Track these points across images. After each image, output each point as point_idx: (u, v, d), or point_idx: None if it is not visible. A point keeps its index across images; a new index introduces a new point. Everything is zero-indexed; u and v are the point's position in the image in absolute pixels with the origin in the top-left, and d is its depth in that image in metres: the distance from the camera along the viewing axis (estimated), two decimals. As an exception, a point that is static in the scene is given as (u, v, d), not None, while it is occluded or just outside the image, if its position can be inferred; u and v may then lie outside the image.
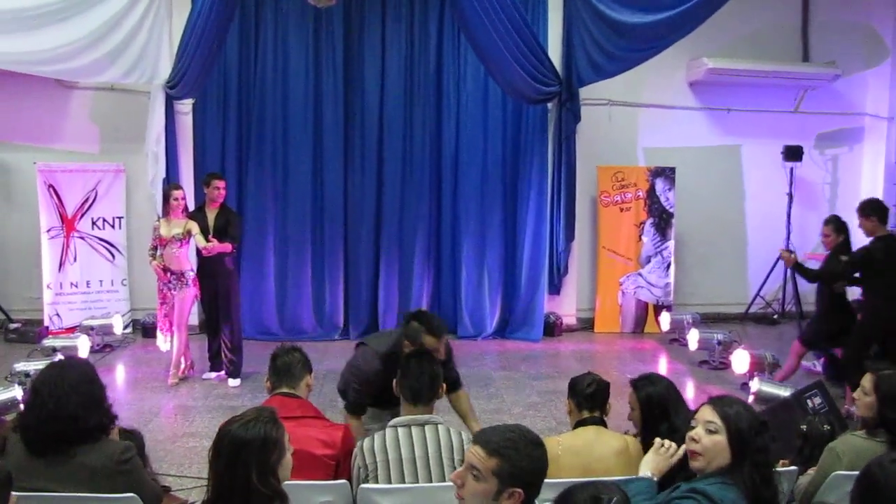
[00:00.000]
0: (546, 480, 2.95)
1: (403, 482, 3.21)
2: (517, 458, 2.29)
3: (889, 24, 10.84)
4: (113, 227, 9.31)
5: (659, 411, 3.41)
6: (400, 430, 3.34)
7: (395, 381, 3.61)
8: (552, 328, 9.63)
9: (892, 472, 2.28)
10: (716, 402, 2.69)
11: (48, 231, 8.95)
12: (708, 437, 2.60)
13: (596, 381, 3.66)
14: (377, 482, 3.22)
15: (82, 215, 9.12)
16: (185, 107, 9.07)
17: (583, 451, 3.41)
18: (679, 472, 2.79)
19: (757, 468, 2.54)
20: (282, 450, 2.50)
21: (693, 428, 2.68)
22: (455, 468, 3.11)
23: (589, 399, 3.62)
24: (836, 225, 7.07)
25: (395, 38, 9.42)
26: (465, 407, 4.67)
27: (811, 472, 3.46)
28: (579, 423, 3.59)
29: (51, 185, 8.92)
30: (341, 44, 9.33)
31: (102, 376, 3.23)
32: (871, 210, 6.60)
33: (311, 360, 3.76)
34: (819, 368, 8.02)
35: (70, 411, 2.94)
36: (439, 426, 3.37)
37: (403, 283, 9.54)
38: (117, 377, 7.73)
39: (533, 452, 2.33)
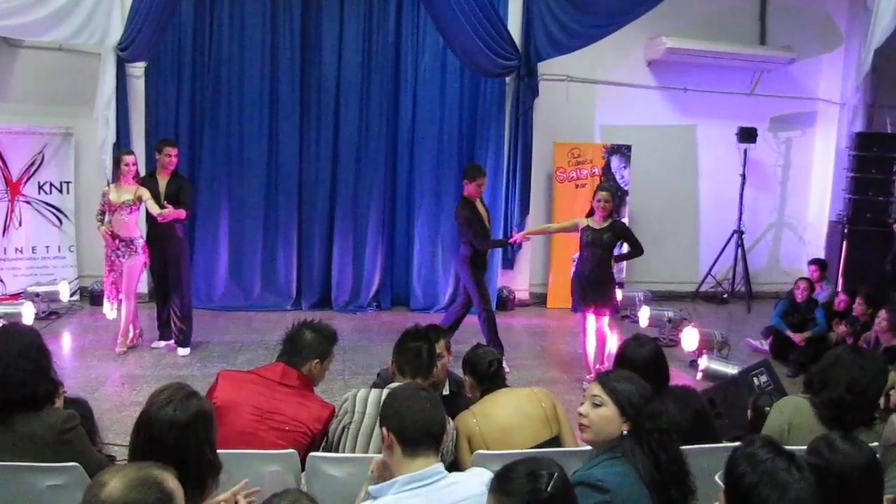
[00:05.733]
0: (480, 452, 3.03)
1: (380, 441, 3.23)
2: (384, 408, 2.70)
3: (843, 10, 10.99)
4: (60, 191, 9.07)
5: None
6: None
7: (391, 360, 3.70)
8: (505, 303, 9.67)
9: (842, 451, 2.34)
10: (603, 378, 2.85)
11: (-8, 194, 8.72)
12: (594, 411, 2.74)
13: (497, 359, 3.81)
14: (357, 430, 3.31)
15: (28, 179, 8.86)
16: (138, 70, 8.84)
17: (495, 412, 3.56)
18: None
19: (651, 433, 2.65)
20: (214, 420, 2.51)
21: (582, 404, 2.81)
22: None
23: (493, 377, 3.76)
24: None
25: (354, 6, 9.28)
26: None
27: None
28: (484, 393, 3.74)
29: (-5, 147, 8.67)
30: (299, 11, 9.16)
31: (48, 344, 3.18)
32: None
33: (331, 344, 3.73)
34: (766, 347, 8.18)
35: (19, 378, 2.91)
36: None
37: (357, 255, 9.48)
38: (63, 345, 7.60)
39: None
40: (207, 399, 2.52)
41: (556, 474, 2.14)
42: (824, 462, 2.38)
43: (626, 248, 7.24)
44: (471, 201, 7.25)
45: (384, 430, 2.61)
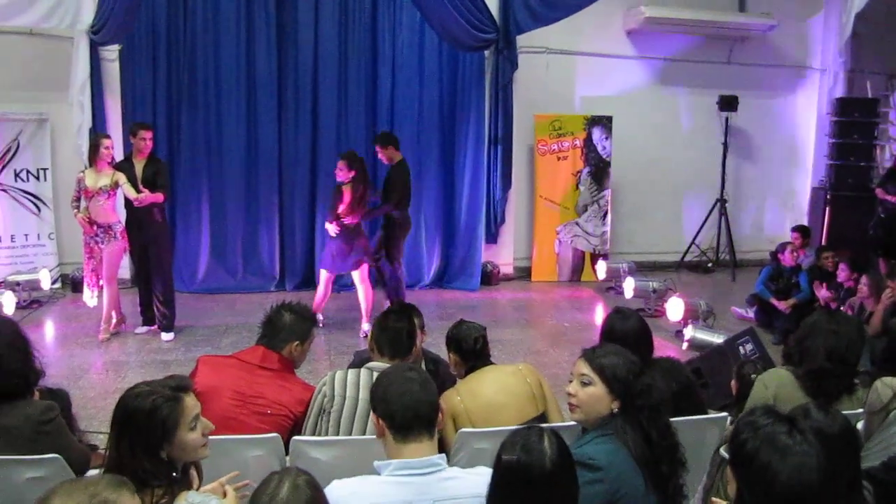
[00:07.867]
0: (465, 430, 3.13)
1: (363, 423, 3.24)
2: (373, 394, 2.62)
3: (822, -25, 10.94)
4: (38, 178, 8.95)
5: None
6: (375, 373, 3.31)
7: (371, 336, 3.64)
8: (490, 277, 9.66)
9: (817, 421, 2.33)
10: (589, 354, 2.79)
11: (-33, 183, 8.59)
12: (583, 390, 2.72)
13: (482, 335, 3.69)
14: (340, 413, 3.27)
15: (4, 166, 8.73)
16: (112, 53, 8.72)
17: (481, 389, 3.49)
18: None
19: (642, 410, 2.63)
20: (174, 428, 2.26)
21: (570, 382, 2.78)
22: None
23: (479, 354, 3.68)
24: None
25: (329, -17, 9.17)
26: None
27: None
28: (469, 371, 3.65)
29: (-32, 135, 8.53)
30: (273, -11, 9.05)
31: (30, 333, 3.15)
32: None
33: (310, 325, 3.68)
34: (751, 315, 8.19)
35: (12, 367, 2.90)
36: None
37: (340, 234, 9.41)
38: (46, 333, 7.52)
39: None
40: (176, 406, 2.27)
41: (516, 454, 2.19)
42: None
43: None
44: None
45: (376, 417, 2.53)
